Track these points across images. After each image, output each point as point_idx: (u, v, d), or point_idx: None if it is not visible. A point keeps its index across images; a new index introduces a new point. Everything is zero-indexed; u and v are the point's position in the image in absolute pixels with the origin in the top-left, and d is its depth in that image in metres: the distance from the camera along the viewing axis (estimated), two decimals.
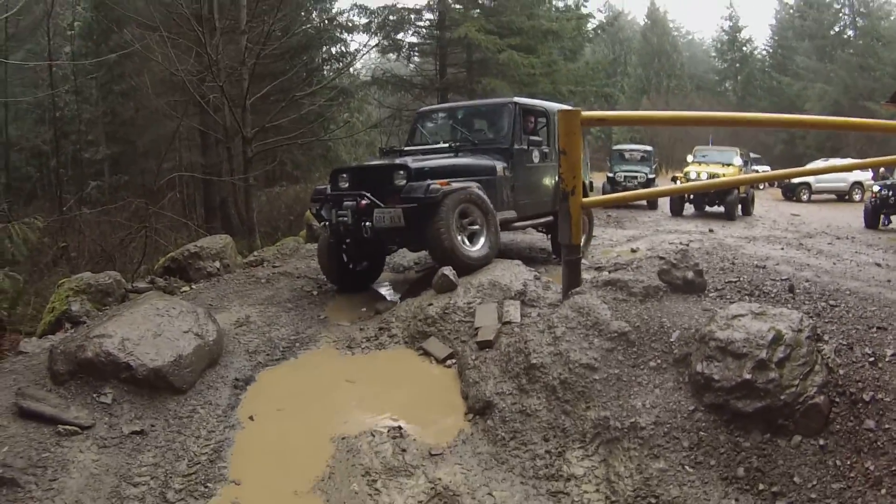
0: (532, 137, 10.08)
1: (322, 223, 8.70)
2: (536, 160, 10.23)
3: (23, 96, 22.95)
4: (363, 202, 7.99)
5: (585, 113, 6.68)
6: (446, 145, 9.66)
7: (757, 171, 28.80)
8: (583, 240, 10.21)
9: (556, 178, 10.15)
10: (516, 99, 10.22)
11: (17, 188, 23.32)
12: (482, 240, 8.23)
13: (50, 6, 21.62)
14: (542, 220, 10.38)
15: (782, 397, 4.29)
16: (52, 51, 24.35)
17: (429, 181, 7.85)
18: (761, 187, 34.59)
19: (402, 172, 8.10)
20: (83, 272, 9.72)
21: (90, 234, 15.58)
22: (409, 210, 7.66)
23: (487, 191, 8.61)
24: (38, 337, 7.40)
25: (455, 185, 8.04)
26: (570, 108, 6.96)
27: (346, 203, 8.16)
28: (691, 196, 21.52)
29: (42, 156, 26.62)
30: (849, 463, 4.03)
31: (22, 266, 9.91)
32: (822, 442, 4.18)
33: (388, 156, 10.04)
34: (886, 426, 4.10)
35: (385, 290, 9.42)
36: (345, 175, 8.69)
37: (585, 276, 7.10)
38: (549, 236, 11.17)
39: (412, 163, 8.32)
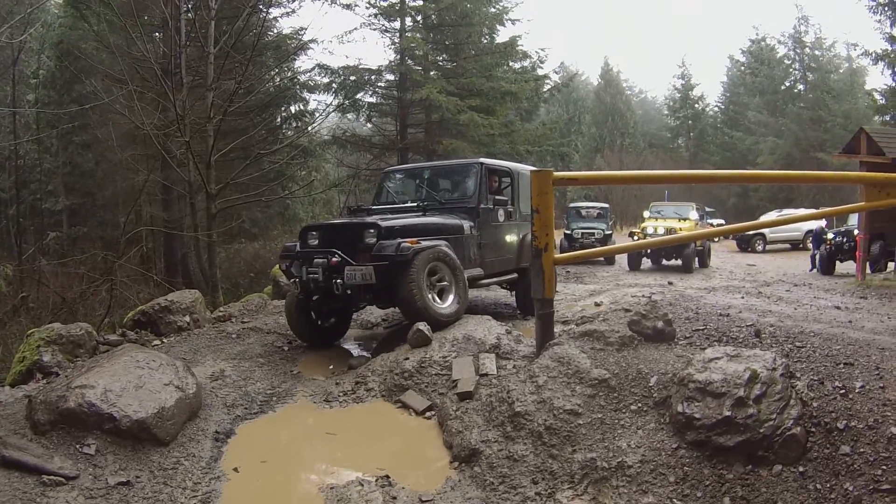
0: (497, 197, 10.26)
1: (291, 280, 8.63)
2: (501, 219, 10.44)
3: None
4: (334, 259, 8.07)
5: (557, 174, 6.84)
6: (414, 204, 9.88)
7: (712, 225, 29.28)
8: None
9: (521, 236, 10.66)
10: (482, 160, 10.40)
11: None
12: (451, 297, 8.41)
13: (16, 53, 21.57)
14: (508, 276, 10.60)
15: (761, 430, 4.51)
16: (16, 98, 24.25)
17: (399, 239, 8.01)
18: (716, 240, 35.10)
19: (372, 231, 8.21)
20: (44, 323, 9.66)
21: (53, 285, 15.40)
22: (380, 268, 7.78)
23: (455, 249, 8.79)
24: (9, 386, 7.34)
25: (424, 243, 8.19)
26: (539, 169, 7.07)
27: (316, 260, 8.22)
28: (648, 250, 21.81)
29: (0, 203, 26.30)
30: (829, 486, 4.25)
31: None
32: (801, 469, 4.40)
33: (356, 214, 10.30)
34: (861, 450, 4.36)
35: (354, 347, 9.47)
36: (314, 232, 8.80)
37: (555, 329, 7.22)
38: (514, 293, 11.41)
39: (382, 221, 8.45)
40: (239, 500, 5.07)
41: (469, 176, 10.18)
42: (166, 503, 4.92)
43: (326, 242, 8.51)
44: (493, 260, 10.12)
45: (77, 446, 5.23)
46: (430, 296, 8.04)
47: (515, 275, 10.70)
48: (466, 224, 9.51)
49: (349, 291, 8.05)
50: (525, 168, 11.61)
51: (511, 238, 10.78)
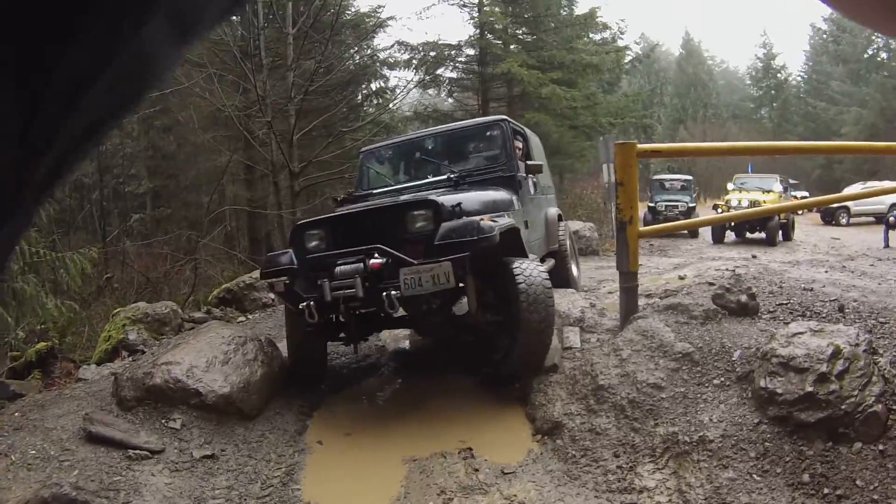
0: (529, 163, 8.03)
1: (300, 306, 5.58)
2: (533, 191, 8.27)
3: None
4: (374, 262, 5.42)
5: (641, 146, 6.65)
6: (444, 177, 7.31)
7: (796, 197, 28.72)
8: (577, 272, 9.77)
9: (545, 212, 8.99)
10: (505, 117, 8.28)
11: (59, 220, 23.78)
12: None
13: None
14: (551, 263, 8.36)
15: (843, 407, 4.40)
16: None
17: (474, 217, 5.56)
18: (800, 212, 34.37)
19: (422, 212, 5.72)
20: (129, 303, 9.89)
21: (137, 265, 15.79)
22: (459, 262, 5.24)
23: None
24: (96, 364, 7.57)
25: (501, 221, 5.76)
26: (623, 141, 6.64)
27: (343, 268, 5.51)
28: (732, 223, 21.45)
29: (83, 188, 26.95)
30: None
31: (71, 296, 10.03)
32: (881, 447, 4.27)
33: (344, 204, 7.87)
34: None
35: None
36: (316, 231, 6.15)
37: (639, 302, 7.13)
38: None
39: (437, 197, 5.94)
40: (323, 472, 5.18)
41: (496, 138, 7.79)
42: (251, 475, 5.05)
43: (341, 242, 5.90)
44: (537, 241, 8.03)
45: (163, 421, 5.40)
46: None
47: (553, 261, 8.51)
48: (514, 198, 7.08)
49: (404, 304, 5.62)
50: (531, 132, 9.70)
51: (542, 215, 8.68)
